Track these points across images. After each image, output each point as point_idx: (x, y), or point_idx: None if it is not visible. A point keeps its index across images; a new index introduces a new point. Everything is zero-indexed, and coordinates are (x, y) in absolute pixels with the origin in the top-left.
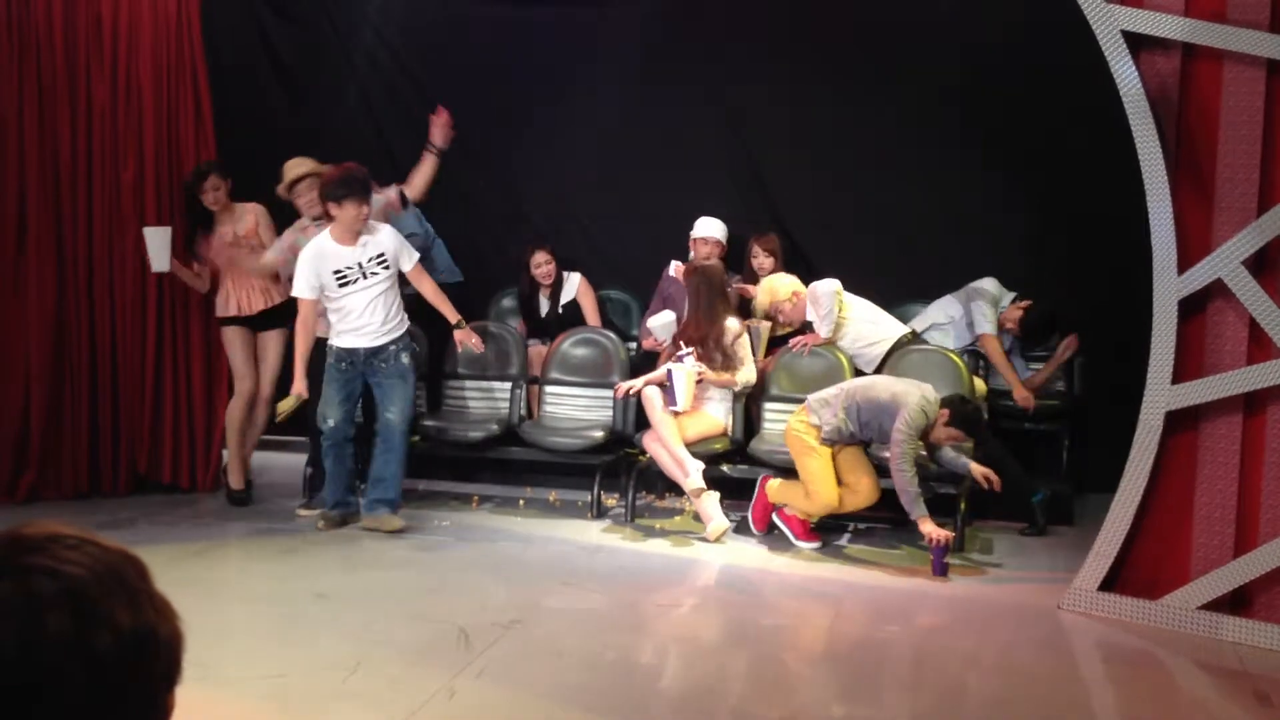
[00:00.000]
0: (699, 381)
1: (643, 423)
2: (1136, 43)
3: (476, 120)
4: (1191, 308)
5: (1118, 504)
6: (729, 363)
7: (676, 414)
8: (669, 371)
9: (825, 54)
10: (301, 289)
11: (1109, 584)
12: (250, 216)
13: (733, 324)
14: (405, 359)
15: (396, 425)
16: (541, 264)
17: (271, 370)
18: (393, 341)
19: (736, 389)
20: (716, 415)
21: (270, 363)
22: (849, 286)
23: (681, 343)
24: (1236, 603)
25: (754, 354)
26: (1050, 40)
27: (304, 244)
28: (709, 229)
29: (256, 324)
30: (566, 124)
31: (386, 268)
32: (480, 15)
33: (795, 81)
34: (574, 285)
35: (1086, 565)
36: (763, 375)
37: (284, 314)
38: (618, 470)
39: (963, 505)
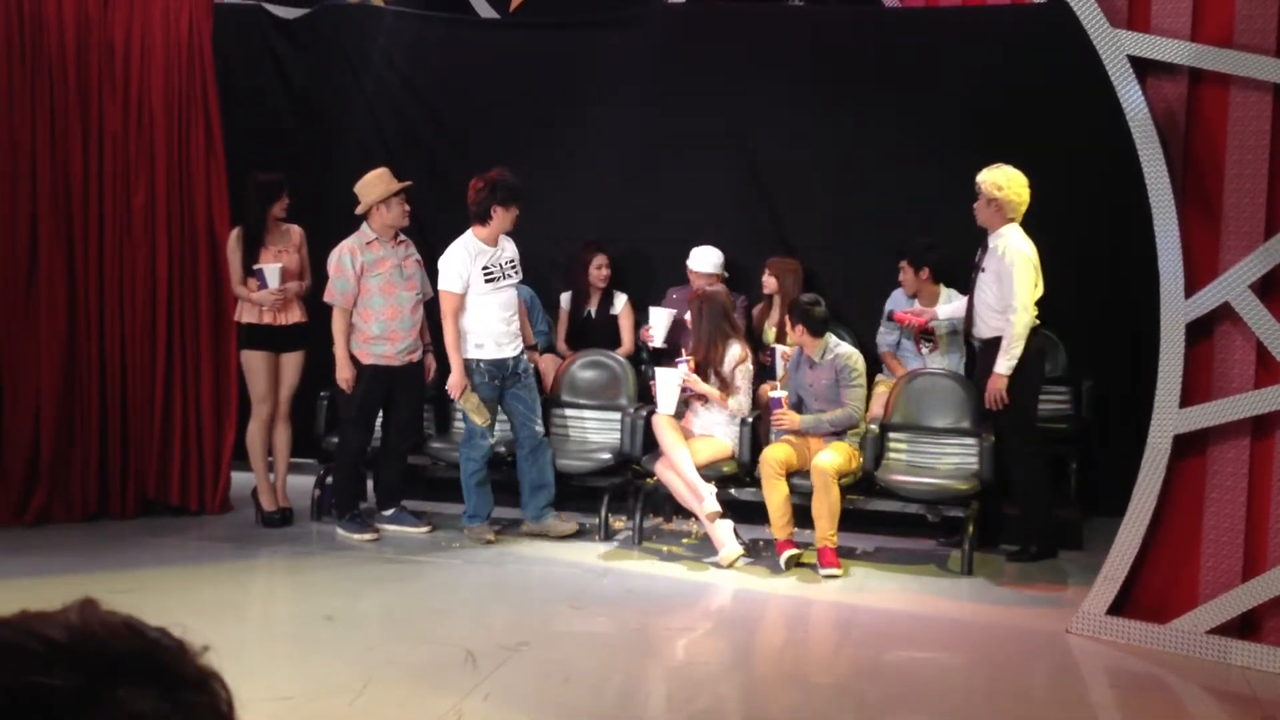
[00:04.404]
0: (704, 400)
1: (650, 445)
2: (1143, 68)
3: (480, 143)
4: (1199, 331)
5: (1126, 528)
6: (724, 389)
7: (670, 418)
8: (655, 372)
9: (837, 77)
10: (453, 282)
11: (1117, 608)
12: (296, 235)
13: (734, 351)
14: (532, 368)
15: (542, 433)
16: (602, 266)
17: (291, 389)
18: (523, 350)
19: (728, 411)
20: (724, 439)
21: (290, 383)
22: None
23: (682, 350)
24: (1246, 627)
25: (775, 375)
26: (1060, 65)
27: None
28: (699, 263)
29: (279, 345)
30: (572, 147)
31: (517, 272)
32: (486, 40)
33: (806, 104)
34: (621, 302)
35: (1095, 589)
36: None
37: (305, 334)
38: (625, 493)
39: (970, 529)
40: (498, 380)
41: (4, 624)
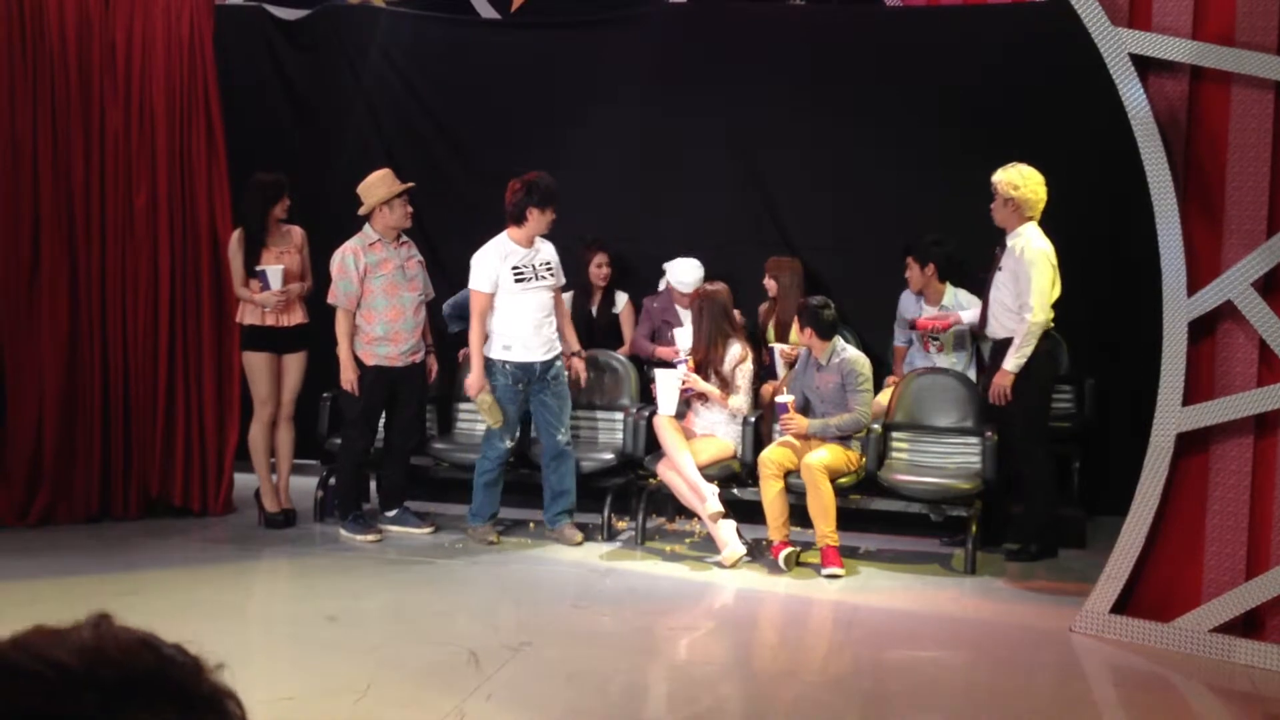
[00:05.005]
0: (704, 400)
1: (653, 445)
2: (1144, 66)
3: (481, 143)
4: (1201, 330)
5: (1129, 526)
6: (724, 387)
7: (671, 419)
8: (654, 374)
9: (837, 77)
10: (482, 283)
11: (1121, 607)
12: (297, 236)
13: (734, 351)
14: (566, 375)
15: (566, 443)
16: (602, 264)
17: (294, 391)
18: (558, 356)
19: (727, 410)
20: (726, 438)
21: (292, 385)
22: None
23: (678, 350)
24: (1249, 625)
25: (775, 374)
26: (1060, 64)
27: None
28: (682, 277)
29: (282, 345)
30: (572, 146)
31: (552, 274)
32: (487, 40)
33: (806, 104)
34: (622, 301)
35: (1098, 588)
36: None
37: (307, 335)
38: (628, 493)
39: (974, 528)
40: (522, 384)
41: (18, 647)
